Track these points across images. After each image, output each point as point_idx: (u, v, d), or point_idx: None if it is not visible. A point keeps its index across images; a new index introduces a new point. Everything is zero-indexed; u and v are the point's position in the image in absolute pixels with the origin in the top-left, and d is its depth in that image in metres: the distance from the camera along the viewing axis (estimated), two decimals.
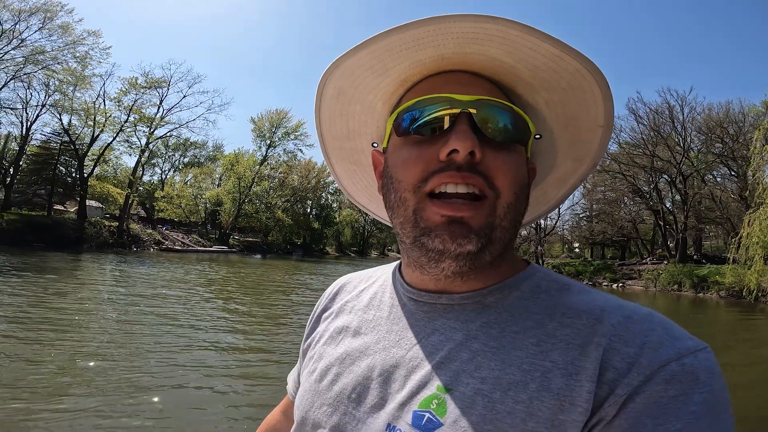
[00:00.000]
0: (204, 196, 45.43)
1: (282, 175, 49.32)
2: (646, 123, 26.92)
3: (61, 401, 4.48)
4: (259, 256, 40.17)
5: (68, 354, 5.89)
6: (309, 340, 0.68)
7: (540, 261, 28.42)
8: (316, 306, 0.74)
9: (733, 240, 15.89)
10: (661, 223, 25.82)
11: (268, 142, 46.85)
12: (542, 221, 31.27)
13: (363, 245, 70.64)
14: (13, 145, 31.71)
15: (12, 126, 31.85)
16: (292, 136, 47.64)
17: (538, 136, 0.54)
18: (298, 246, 53.18)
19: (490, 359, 0.46)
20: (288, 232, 51.14)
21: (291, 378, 0.79)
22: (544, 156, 0.60)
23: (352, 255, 62.66)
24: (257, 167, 44.97)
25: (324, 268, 30.61)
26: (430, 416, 0.44)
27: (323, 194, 58.23)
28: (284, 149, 48.77)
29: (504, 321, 0.49)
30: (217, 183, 48.91)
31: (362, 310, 0.62)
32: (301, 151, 50.69)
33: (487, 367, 0.45)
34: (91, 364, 5.63)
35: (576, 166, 0.59)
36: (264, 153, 46.99)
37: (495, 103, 0.49)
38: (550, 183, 0.63)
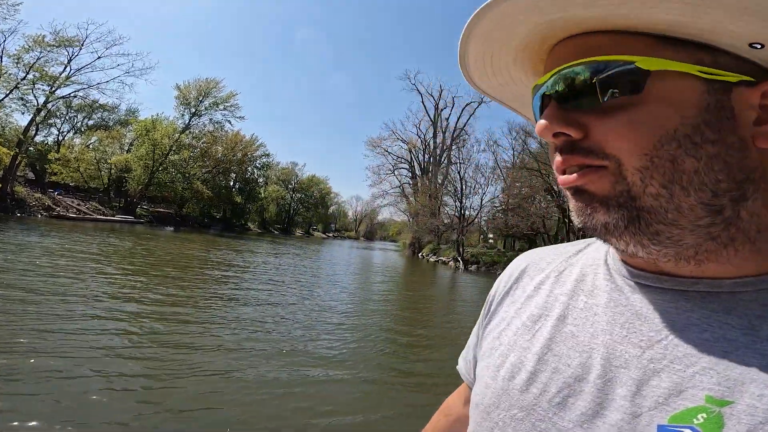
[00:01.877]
0: (109, 161, 41.86)
1: (205, 145, 47.37)
2: None
3: None
4: (171, 228, 37.93)
5: None
6: (490, 326, 0.57)
7: (461, 249, 30.12)
8: (496, 285, 0.62)
9: None
10: (567, 221, 28.75)
11: (193, 110, 44.90)
12: (465, 211, 33.12)
13: (287, 223, 69.06)
14: None
15: None
16: (222, 107, 46.10)
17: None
18: (218, 220, 51.33)
19: None
20: (207, 205, 49.07)
21: (463, 362, 0.68)
22: None
23: (276, 232, 61.27)
24: (177, 135, 42.73)
25: (247, 244, 29.48)
26: None
27: (249, 168, 56.86)
28: (210, 119, 46.96)
29: None
30: (126, 148, 45.64)
31: (567, 294, 0.50)
32: (230, 122, 49.64)
33: None
34: None
35: None
36: (187, 121, 44.98)
37: (578, 65, 0.39)
38: None
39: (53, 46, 31.77)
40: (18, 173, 33.28)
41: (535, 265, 0.58)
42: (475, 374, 0.59)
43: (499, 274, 0.65)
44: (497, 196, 36.57)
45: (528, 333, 0.49)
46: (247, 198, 56.22)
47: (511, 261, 0.64)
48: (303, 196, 71.89)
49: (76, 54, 33.10)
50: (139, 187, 40.79)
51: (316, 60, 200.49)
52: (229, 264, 17.37)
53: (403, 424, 3.91)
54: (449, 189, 36.64)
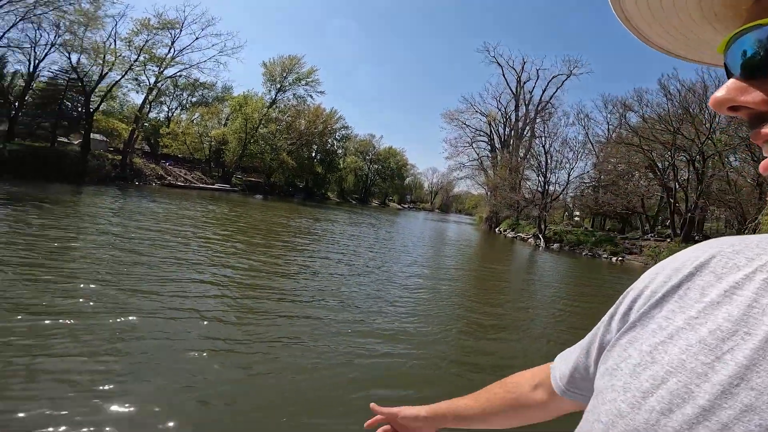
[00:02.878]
0: (209, 135, 46.47)
1: (290, 118, 50.82)
2: (676, 100, 25.73)
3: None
4: (260, 196, 41.37)
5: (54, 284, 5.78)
6: (632, 334, 0.42)
7: (543, 226, 28.39)
8: (646, 278, 0.46)
9: (749, 225, 15.63)
10: (672, 201, 25.44)
11: (278, 86, 48.15)
12: (549, 186, 30.92)
13: (364, 193, 70.89)
14: (20, 82, 31.18)
15: (19, 64, 32.01)
16: (303, 82, 48.75)
17: None
18: (300, 189, 54.50)
19: None
20: (291, 175, 52.62)
21: (563, 364, 0.58)
22: None
23: (353, 202, 63.42)
24: (265, 110, 46.19)
25: (326, 213, 30.95)
26: None
27: (329, 140, 59.43)
28: (294, 94, 50.14)
29: None
30: (223, 123, 49.99)
31: None
32: (312, 97, 51.78)
33: None
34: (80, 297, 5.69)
35: None
36: (273, 96, 48.42)
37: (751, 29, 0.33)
38: None
39: (158, 28, 34.94)
40: (136, 146, 38.33)
41: (727, 258, 0.41)
42: (575, 386, 0.55)
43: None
44: (587, 172, 33.56)
45: (709, 354, 0.35)
46: (327, 168, 58.78)
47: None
48: (380, 167, 73.23)
49: (177, 36, 36.30)
50: (234, 158, 44.85)
51: (391, 32, 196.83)
52: (310, 232, 18.36)
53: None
54: (532, 163, 34.37)
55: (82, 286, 5.86)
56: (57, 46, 30.41)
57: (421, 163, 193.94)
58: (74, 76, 32.06)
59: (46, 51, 30.36)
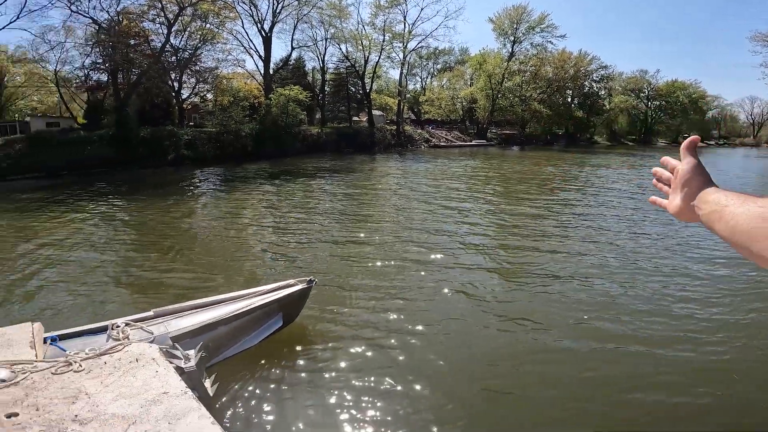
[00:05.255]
0: (459, 96, 48.70)
1: (533, 68, 48.51)
2: None
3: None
4: (516, 147, 41.43)
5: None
6: None
7: None
8: None
9: None
10: None
11: (512, 38, 46.55)
12: None
13: (644, 133, 59.09)
14: (318, 76, 40.22)
15: (311, 60, 40.70)
16: (538, 29, 46.04)
17: None
18: (560, 136, 51.53)
19: None
20: (547, 123, 49.87)
21: None
22: None
23: (630, 144, 54.45)
24: (504, 64, 45.58)
25: (588, 158, 26.95)
26: None
27: (585, 83, 53.54)
28: (531, 43, 47.63)
29: None
30: (469, 83, 51.24)
31: None
32: (551, 43, 47.52)
33: None
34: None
35: None
36: (510, 49, 47.09)
37: None
38: None
39: (388, 7, 37.96)
40: (404, 116, 43.87)
41: None
42: None
43: None
44: None
45: None
46: (589, 111, 53.20)
47: None
48: (663, 103, 59.85)
49: (406, 11, 38.78)
50: (485, 114, 46.12)
51: None
52: (576, 181, 16.16)
53: None
54: None
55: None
56: (329, 40, 37.29)
57: (730, 93, 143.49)
58: (348, 63, 38.82)
59: (324, 45, 37.75)
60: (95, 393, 2.28)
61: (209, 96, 33.07)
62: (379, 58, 39.16)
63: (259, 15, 32.54)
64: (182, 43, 28.79)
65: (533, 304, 4.96)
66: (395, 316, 4.67)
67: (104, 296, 5.34)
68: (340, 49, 38.54)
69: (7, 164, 19.22)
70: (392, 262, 6.42)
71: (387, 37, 38.91)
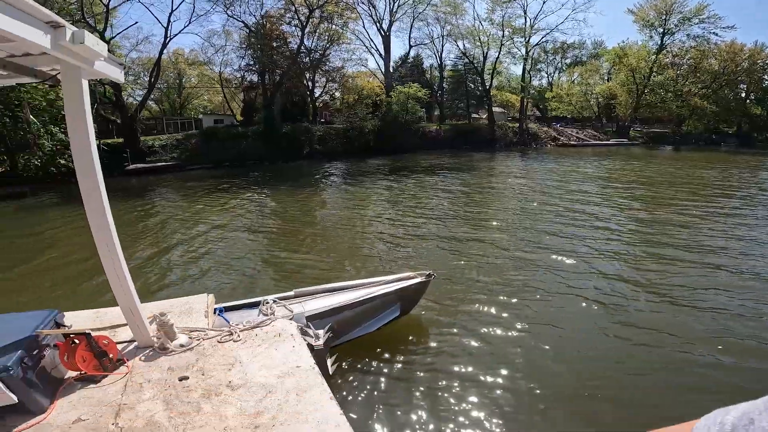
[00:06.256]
0: (594, 92, 44.54)
1: (691, 61, 41.96)
2: None
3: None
4: (668, 147, 36.08)
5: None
6: None
7: None
8: None
9: None
10: None
11: (661, 30, 40.74)
12: None
13: None
14: (436, 73, 40.27)
15: (429, 58, 40.99)
16: (695, 20, 39.42)
17: None
18: (730, 135, 42.88)
19: None
20: (712, 120, 42.48)
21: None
22: None
23: None
24: (653, 57, 40.37)
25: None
26: None
27: (764, 77, 44.03)
28: (688, 35, 41.11)
29: None
30: (605, 78, 46.51)
31: None
32: (716, 34, 40.09)
33: None
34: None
35: None
36: (659, 42, 41.37)
37: None
38: None
39: (506, 1, 35.86)
40: (528, 113, 41.12)
41: None
42: None
43: None
44: None
45: None
46: None
47: None
48: None
49: (527, 4, 36.30)
50: (628, 111, 40.98)
51: None
52: (745, 188, 13.12)
53: None
54: None
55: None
56: (446, 37, 37.01)
57: None
58: (466, 60, 37.91)
59: (441, 43, 37.58)
60: (246, 362, 2.58)
61: (337, 94, 35.80)
62: (499, 53, 37.78)
63: (378, 14, 34.26)
64: (313, 44, 31.67)
65: (678, 319, 4.41)
66: (510, 315, 4.55)
67: (256, 274, 6.22)
68: (457, 45, 38.22)
69: (185, 156, 23.59)
70: (510, 262, 6.18)
71: (506, 33, 37.45)
